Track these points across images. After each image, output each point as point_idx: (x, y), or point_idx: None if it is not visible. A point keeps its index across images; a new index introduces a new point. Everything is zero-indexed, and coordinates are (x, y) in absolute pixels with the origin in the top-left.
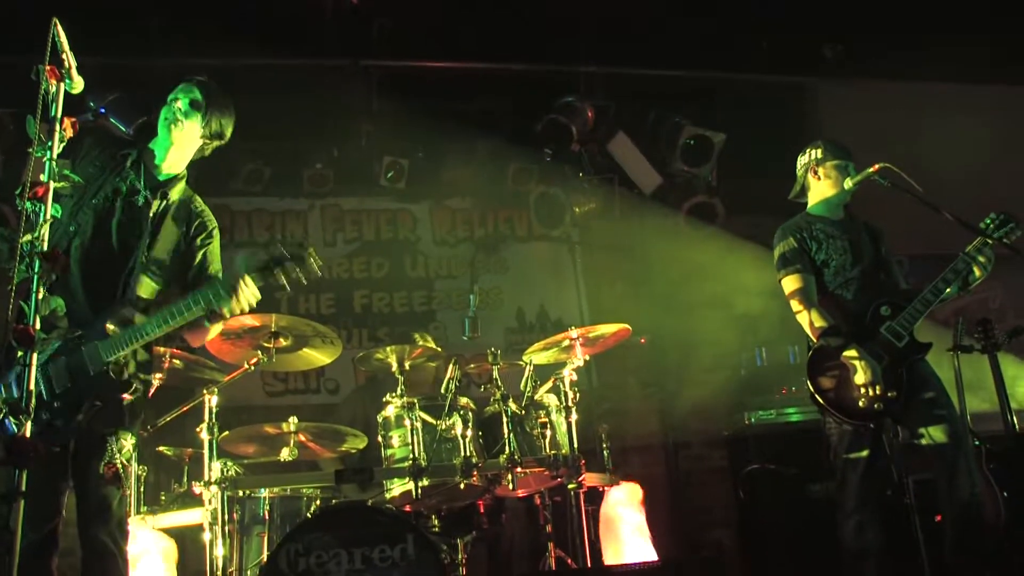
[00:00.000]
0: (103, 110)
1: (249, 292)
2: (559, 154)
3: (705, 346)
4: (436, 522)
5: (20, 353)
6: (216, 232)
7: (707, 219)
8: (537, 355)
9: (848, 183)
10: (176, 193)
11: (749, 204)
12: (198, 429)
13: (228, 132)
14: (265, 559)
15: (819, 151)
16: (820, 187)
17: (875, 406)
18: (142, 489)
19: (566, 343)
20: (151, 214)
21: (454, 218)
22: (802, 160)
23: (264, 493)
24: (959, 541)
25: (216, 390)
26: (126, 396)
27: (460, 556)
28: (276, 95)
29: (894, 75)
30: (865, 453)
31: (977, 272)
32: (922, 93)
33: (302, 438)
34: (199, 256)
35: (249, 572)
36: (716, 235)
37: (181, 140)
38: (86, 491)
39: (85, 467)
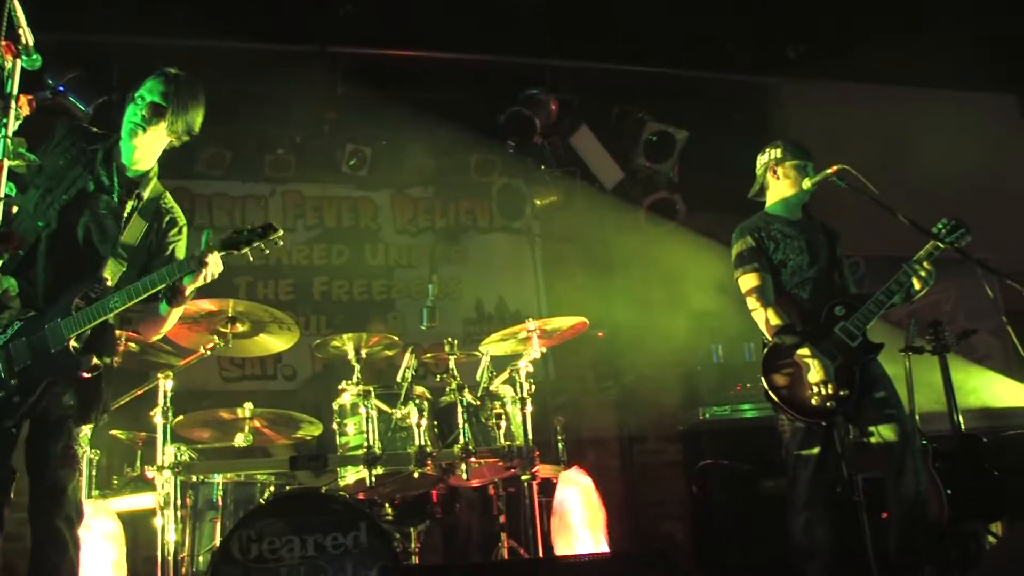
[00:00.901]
0: (61, 88)
1: (213, 266)
2: (522, 146)
3: (662, 341)
4: (390, 510)
5: None
6: (185, 229)
7: (668, 215)
8: (494, 346)
9: (807, 183)
10: (148, 192)
11: (710, 201)
12: (152, 413)
13: (197, 126)
14: (217, 545)
15: (779, 151)
16: (779, 187)
17: (827, 404)
18: (94, 472)
19: (523, 335)
20: (124, 214)
21: (415, 207)
22: (762, 159)
23: (218, 478)
24: (903, 537)
25: (171, 374)
26: (85, 375)
27: (413, 545)
28: (239, 79)
29: (858, 77)
30: (816, 450)
31: (917, 284)
32: (885, 95)
33: (257, 424)
34: (168, 251)
35: (201, 558)
36: (676, 231)
37: (144, 145)
38: (41, 474)
39: (41, 449)
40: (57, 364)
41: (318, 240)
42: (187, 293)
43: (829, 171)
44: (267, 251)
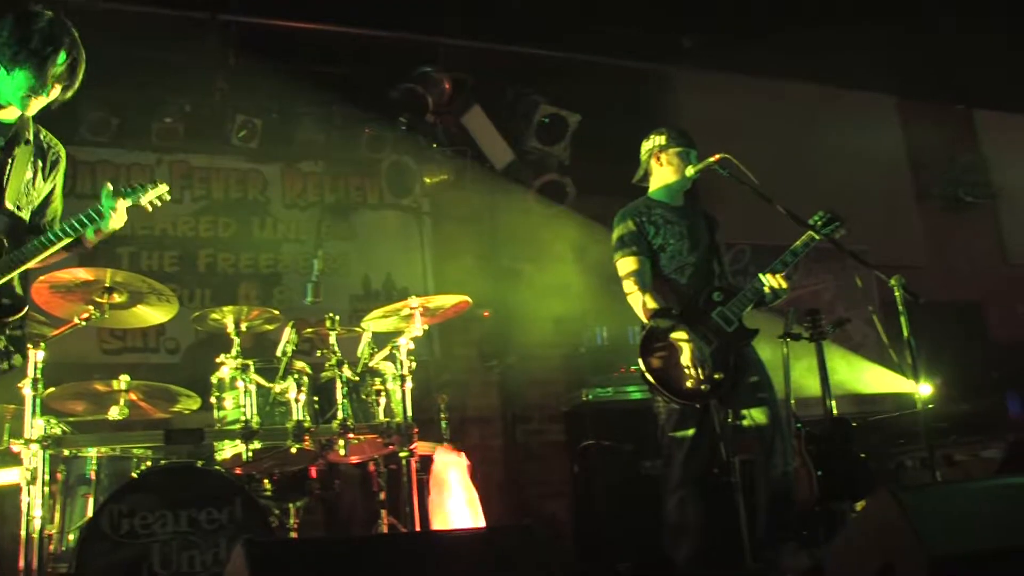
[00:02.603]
0: None
1: (120, 216)
2: (414, 124)
3: (548, 322)
4: (269, 486)
5: None
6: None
7: (557, 198)
8: (376, 322)
9: (689, 171)
10: (29, 132)
11: (600, 185)
12: (20, 385)
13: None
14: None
15: (663, 137)
16: (662, 173)
17: (702, 387)
18: None
19: (406, 312)
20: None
21: (305, 181)
22: (646, 145)
23: (91, 453)
24: (771, 515)
25: (43, 345)
26: None
27: (292, 521)
28: (129, 42)
29: (749, 69)
30: (691, 432)
31: (768, 294)
32: (775, 89)
33: (133, 397)
34: (49, 189)
35: (72, 535)
36: (565, 214)
37: (35, 107)
38: None
39: None
40: None
41: (205, 212)
42: (91, 245)
43: (712, 159)
44: (159, 204)
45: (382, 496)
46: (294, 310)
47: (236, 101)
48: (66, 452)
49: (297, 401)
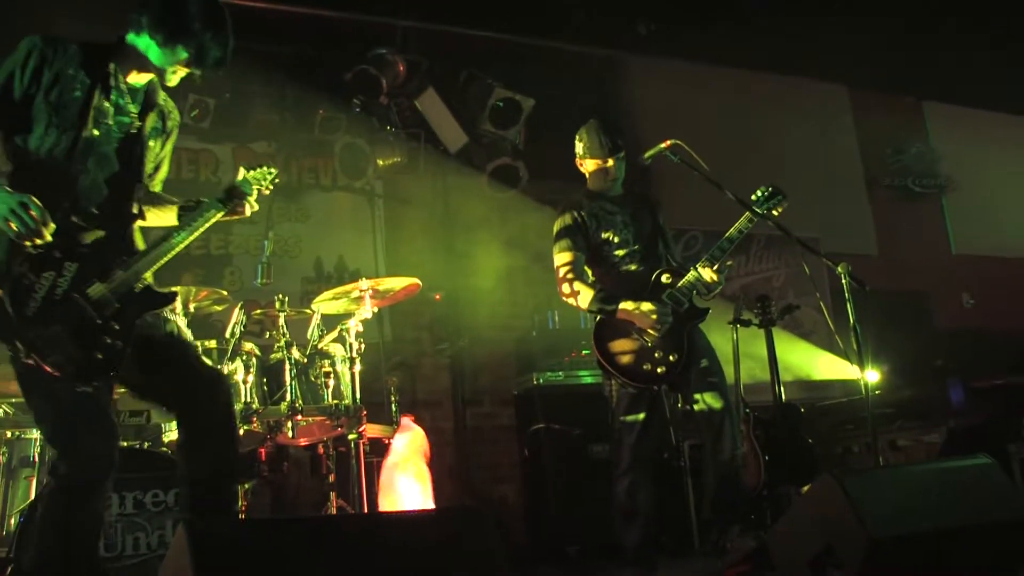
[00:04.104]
0: None
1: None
2: (367, 106)
3: (500, 306)
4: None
5: None
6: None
7: (510, 182)
8: (326, 304)
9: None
10: (158, 96)
11: (553, 170)
12: None
13: None
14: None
15: (580, 146)
16: (589, 176)
17: (658, 369)
18: None
19: (356, 294)
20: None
21: (258, 162)
22: (579, 142)
23: (34, 435)
24: (718, 497)
25: None
26: None
27: (240, 503)
28: (79, 18)
29: (704, 57)
30: (642, 416)
31: (701, 286)
32: (730, 76)
33: None
34: (164, 154)
35: (14, 519)
36: (518, 198)
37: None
38: None
39: None
40: None
41: None
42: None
43: (663, 145)
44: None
45: (331, 478)
46: (244, 291)
47: (188, 80)
48: (8, 434)
49: (245, 383)
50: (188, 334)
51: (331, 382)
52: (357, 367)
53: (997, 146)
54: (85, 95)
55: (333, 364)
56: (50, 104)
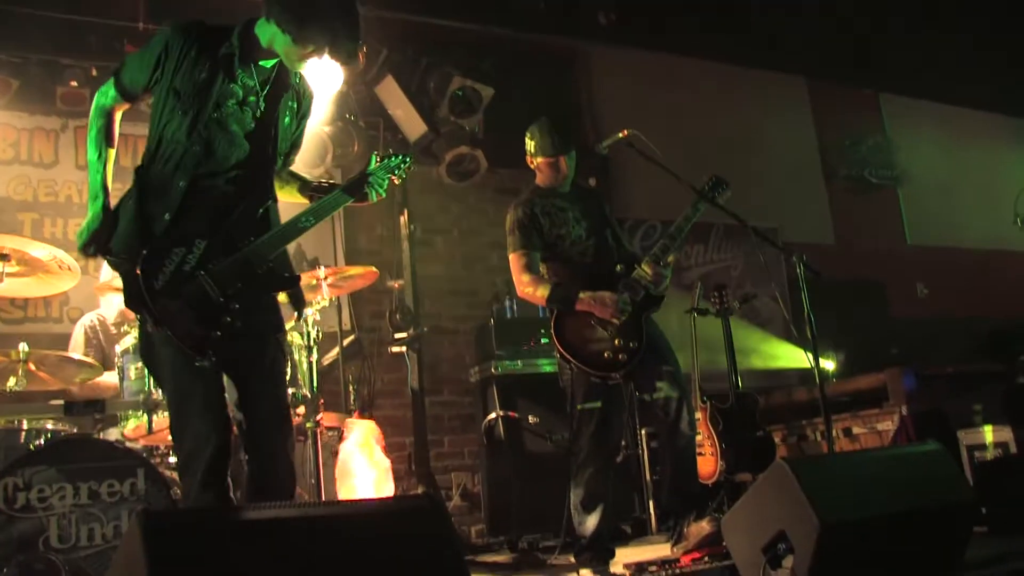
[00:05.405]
0: None
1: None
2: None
3: (459, 295)
4: (174, 457)
5: None
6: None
7: (469, 171)
8: (283, 292)
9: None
10: (292, 76)
11: (511, 159)
12: None
13: None
14: None
15: (531, 144)
16: (539, 174)
17: (619, 356)
18: None
19: (313, 282)
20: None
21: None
22: (530, 144)
23: None
24: (674, 484)
25: None
26: None
27: None
28: (31, 3)
29: (664, 48)
30: (599, 404)
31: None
32: (690, 68)
33: (32, 367)
34: (299, 133)
35: None
36: (477, 187)
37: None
38: None
39: None
40: None
41: (114, 179)
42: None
43: (620, 135)
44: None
45: None
46: None
47: None
48: None
49: None
50: (283, 363)
51: (288, 370)
52: (315, 356)
53: (952, 139)
54: (209, 77)
55: (291, 353)
56: (175, 89)
